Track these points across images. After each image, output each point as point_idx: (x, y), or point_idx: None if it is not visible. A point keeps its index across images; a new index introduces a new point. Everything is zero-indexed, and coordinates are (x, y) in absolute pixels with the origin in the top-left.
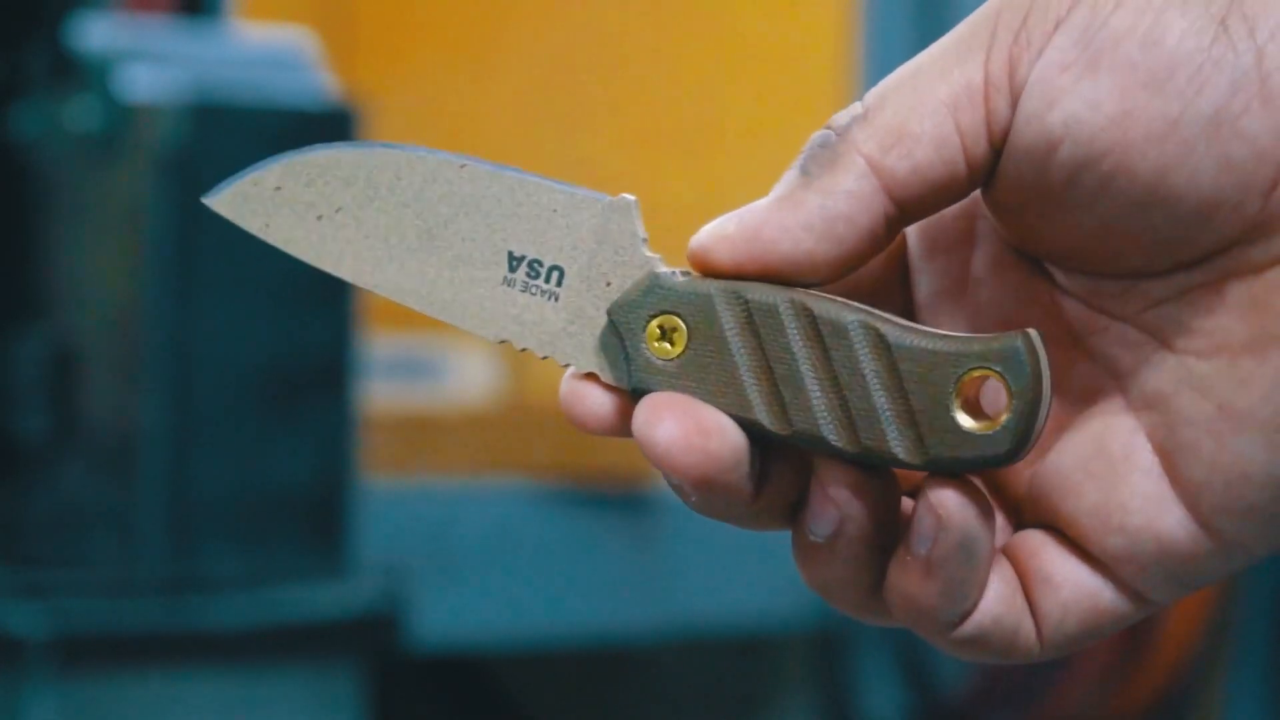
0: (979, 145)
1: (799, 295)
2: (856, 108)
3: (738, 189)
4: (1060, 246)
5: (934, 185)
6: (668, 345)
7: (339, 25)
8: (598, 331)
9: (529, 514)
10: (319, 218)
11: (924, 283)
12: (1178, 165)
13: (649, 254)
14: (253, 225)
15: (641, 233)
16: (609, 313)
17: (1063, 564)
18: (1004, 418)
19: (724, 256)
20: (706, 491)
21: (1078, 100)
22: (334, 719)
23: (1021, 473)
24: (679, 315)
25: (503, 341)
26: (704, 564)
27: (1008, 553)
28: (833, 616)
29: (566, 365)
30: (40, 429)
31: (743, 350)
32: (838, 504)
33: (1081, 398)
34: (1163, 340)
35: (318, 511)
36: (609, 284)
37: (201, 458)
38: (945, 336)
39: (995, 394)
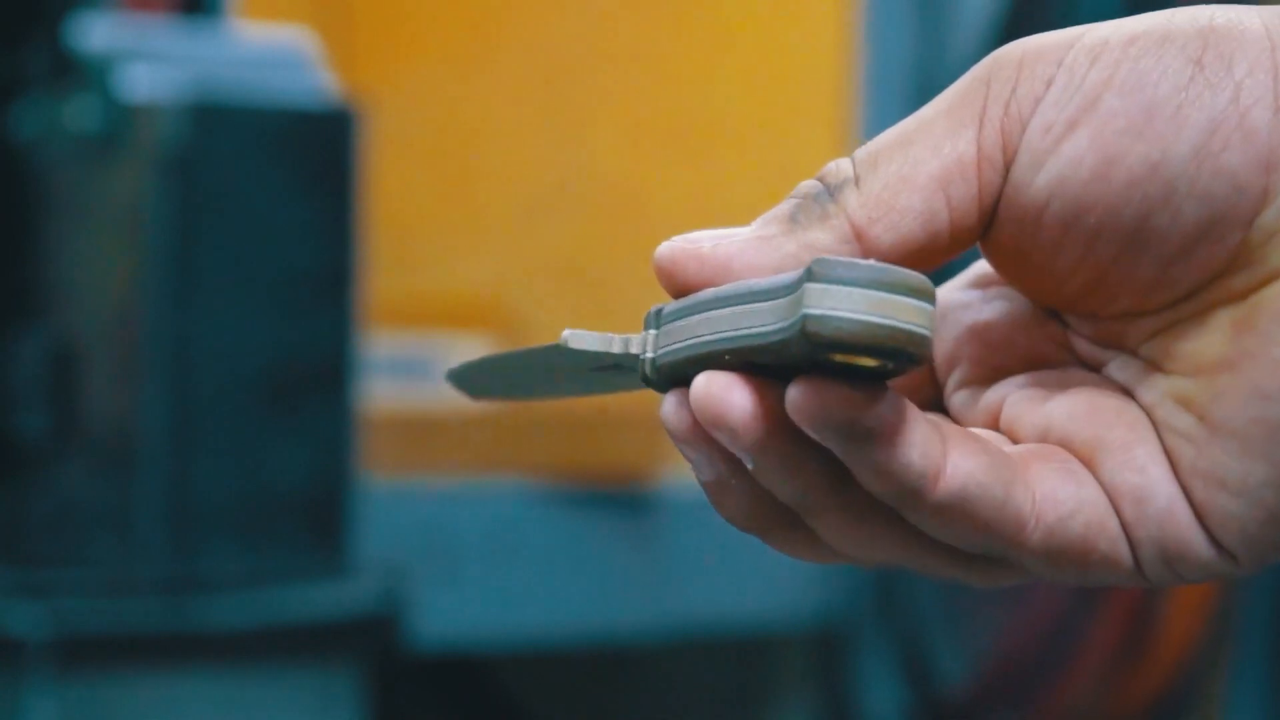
0: (968, 218)
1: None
2: (847, 166)
3: (738, 188)
4: (1057, 296)
5: (914, 254)
6: None
7: (339, 25)
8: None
9: (529, 514)
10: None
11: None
12: (1160, 207)
13: (617, 351)
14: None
15: (600, 346)
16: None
17: (1085, 472)
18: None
19: (690, 274)
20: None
21: (1061, 161)
22: (334, 719)
23: (1045, 403)
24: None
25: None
26: (704, 564)
27: (1029, 453)
28: (833, 616)
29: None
30: (40, 429)
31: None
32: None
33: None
34: (1157, 367)
35: (318, 511)
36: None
37: (201, 457)
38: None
39: None
